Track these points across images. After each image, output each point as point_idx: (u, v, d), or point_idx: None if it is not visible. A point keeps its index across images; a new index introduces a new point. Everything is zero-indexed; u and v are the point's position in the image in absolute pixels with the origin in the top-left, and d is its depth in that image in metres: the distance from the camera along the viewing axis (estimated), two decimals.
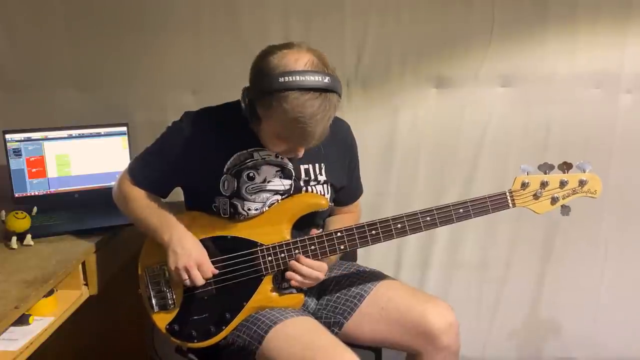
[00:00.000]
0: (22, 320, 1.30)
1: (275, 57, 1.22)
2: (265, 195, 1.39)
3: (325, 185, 1.45)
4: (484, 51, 1.88)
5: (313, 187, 1.43)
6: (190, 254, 1.31)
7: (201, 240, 1.37)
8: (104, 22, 1.89)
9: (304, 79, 1.17)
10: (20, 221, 1.52)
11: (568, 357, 2.15)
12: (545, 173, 1.37)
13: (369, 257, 1.94)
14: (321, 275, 1.37)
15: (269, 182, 1.39)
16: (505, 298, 2.10)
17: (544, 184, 1.37)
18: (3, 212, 1.57)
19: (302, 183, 1.42)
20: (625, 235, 2.04)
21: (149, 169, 1.42)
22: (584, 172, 1.37)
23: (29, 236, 1.51)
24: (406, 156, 1.98)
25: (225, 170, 1.37)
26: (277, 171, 1.40)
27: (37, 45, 1.91)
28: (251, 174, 1.38)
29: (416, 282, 2.07)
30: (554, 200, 1.38)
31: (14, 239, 1.50)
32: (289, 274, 1.36)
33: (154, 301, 1.40)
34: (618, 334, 2.11)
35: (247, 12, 1.87)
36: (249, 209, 1.38)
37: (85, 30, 1.90)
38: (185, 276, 1.32)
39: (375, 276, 1.52)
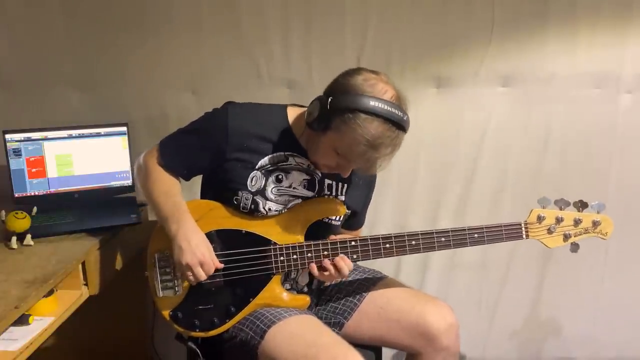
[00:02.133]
0: (22, 320, 1.30)
1: (365, 80, 1.26)
2: (288, 198, 1.41)
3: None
4: (484, 51, 1.88)
5: None
6: (194, 252, 1.31)
7: (216, 231, 1.38)
8: (104, 22, 1.89)
9: (390, 110, 1.22)
10: (20, 221, 1.52)
11: (568, 357, 2.15)
12: (561, 209, 1.41)
13: None
14: (348, 276, 1.41)
15: (294, 188, 1.41)
16: (505, 298, 2.10)
17: (558, 220, 1.41)
18: (3, 212, 1.56)
19: (322, 195, 1.44)
20: (626, 236, 2.03)
21: (178, 149, 1.42)
22: (598, 212, 1.41)
23: (29, 236, 1.51)
24: (406, 156, 1.97)
25: (257, 167, 1.38)
26: (304, 179, 1.41)
27: (37, 45, 1.91)
28: (280, 177, 1.39)
29: (416, 282, 2.07)
30: (566, 237, 1.42)
31: (14, 239, 1.50)
32: (328, 264, 1.36)
33: (159, 286, 1.40)
34: (618, 334, 2.11)
35: (247, 12, 1.86)
36: (270, 209, 1.40)
37: (85, 30, 1.90)
38: (189, 273, 1.32)
39: (375, 276, 1.53)
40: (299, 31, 1.87)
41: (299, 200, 1.41)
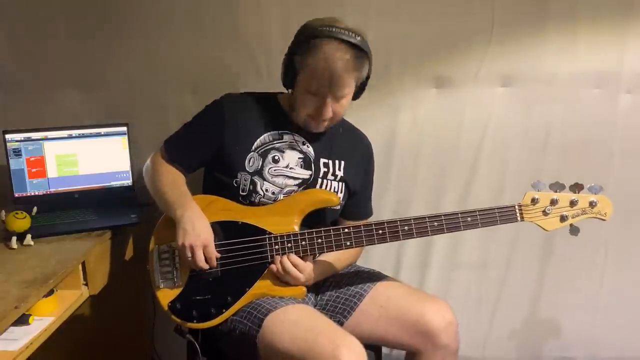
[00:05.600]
0: (22, 320, 1.30)
1: (316, 20, 1.40)
2: (284, 181, 1.46)
3: (340, 184, 1.51)
4: (484, 51, 1.88)
5: (330, 181, 1.49)
6: (198, 234, 1.35)
7: (213, 223, 1.41)
8: (104, 22, 1.89)
9: (340, 31, 1.34)
10: (20, 221, 1.53)
11: (568, 357, 2.15)
12: (556, 192, 1.39)
13: (369, 256, 1.94)
14: (302, 278, 1.39)
15: (290, 168, 1.46)
16: (505, 298, 2.10)
17: (553, 202, 1.39)
18: (3, 212, 1.57)
19: (320, 175, 1.48)
20: (626, 236, 2.04)
21: (182, 140, 1.51)
22: (595, 194, 1.38)
23: (29, 236, 1.52)
24: (406, 156, 1.98)
25: (254, 147, 1.45)
26: (299, 158, 1.47)
27: (37, 45, 1.91)
28: (276, 157, 1.46)
29: (416, 282, 2.07)
30: (562, 219, 1.40)
31: (14, 239, 1.50)
32: (273, 266, 1.39)
33: (159, 277, 1.43)
34: (618, 334, 2.11)
35: (247, 12, 1.86)
36: (267, 190, 1.44)
37: (85, 31, 1.90)
38: (190, 254, 1.35)
39: (375, 276, 1.53)
40: None
41: (296, 187, 1.46)
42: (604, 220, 1.40)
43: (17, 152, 1.73)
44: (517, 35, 1.87)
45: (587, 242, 2.03)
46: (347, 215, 1.58)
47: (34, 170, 1.75)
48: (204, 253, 1.35)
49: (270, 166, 1.45)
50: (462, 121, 1.95)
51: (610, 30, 1.86)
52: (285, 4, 1.85)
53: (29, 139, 1.73)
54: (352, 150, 1.54)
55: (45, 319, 1.37)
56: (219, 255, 1.38)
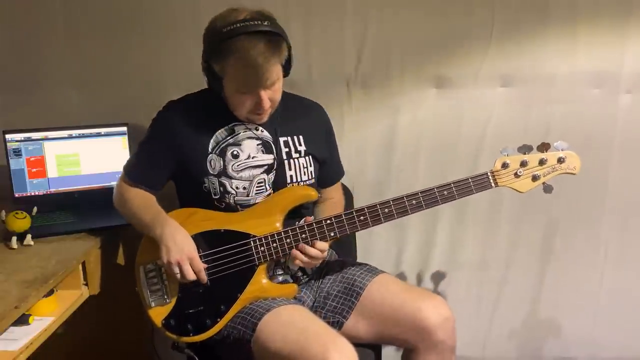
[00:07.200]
0: (22, 320, 1.30)
1: (218, 19, 1.35)
2: (251, 172, 1.45)
3: (307, 158, 1.51)
4: (484, 51, 1.88)
5: (296, 159, 1.49)
6: (182, 249, 1.35)
7: (195, 235, 1.40)
8: (104, 22, 1.89)
9: (245, 24, 1.29)
10: (20, 221, 1.53)
11: (568, 356, 2.15)
12: (525, 154, 1.41)
13: (369, 256, 1.95)
14: (322, 258, 1.41)
15: (253, 157, 1.45)
16: (505, 298, 2.10)
17: (523, 163, 1.41)
18: (3, 212, 1.57)
19: (284, 155, 1.48)
20: (625, 236, 2.04)
21: (140, 160, 1.49)
22: (562, 150, 1.41)
23: (29, 236, 1.52)
24: (406, 156, 1.98)
25: (210, 149, 1.44)
26: (258, 144, 1.46)
27: (37, 45, 1.91)
28: (235, 152, 1.44)
29: (416, 281, 2.07)
30: (535, 178, 1.42)
31: (14, 239, 1.50)
32: (296, 254, 1.38)
33: (150, 297, 1.42)
34: (618, 334, 2.11)
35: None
36: (237, 187, 1.43)
37: (85, 30, 1.90)
38: (177, 270, 1.35)
39: (370, 272, 1.52)
40: (299, 31, 1.87)
41: (265, 175, 1.45)
42: (573, 174, 1.42)
43: (17, 152, 1.73)
44: (517, 35, 1.87)
45: (587, 241, 2.04)
46: (323, 183, 1.59)
47: (34, 170, 1.75)
48: (191, 266, 1.35)
49: (232, 163, 1.44)
50: (462, 121, 1.95)
51: (610, 31, 1.86)
52: (285, 5, 1.85)
53: (29, 139, 1.74)
54: (306, 120, 1.53)
55: (45, 319, 1.37)
56: (206, 265, 1.38)
